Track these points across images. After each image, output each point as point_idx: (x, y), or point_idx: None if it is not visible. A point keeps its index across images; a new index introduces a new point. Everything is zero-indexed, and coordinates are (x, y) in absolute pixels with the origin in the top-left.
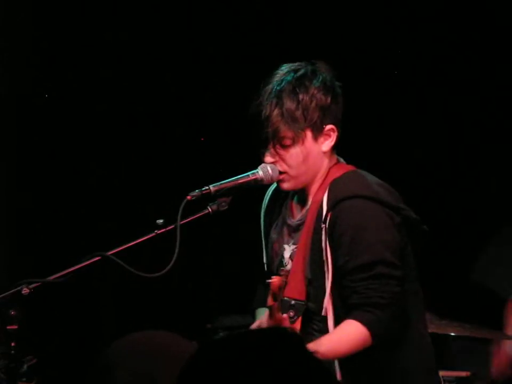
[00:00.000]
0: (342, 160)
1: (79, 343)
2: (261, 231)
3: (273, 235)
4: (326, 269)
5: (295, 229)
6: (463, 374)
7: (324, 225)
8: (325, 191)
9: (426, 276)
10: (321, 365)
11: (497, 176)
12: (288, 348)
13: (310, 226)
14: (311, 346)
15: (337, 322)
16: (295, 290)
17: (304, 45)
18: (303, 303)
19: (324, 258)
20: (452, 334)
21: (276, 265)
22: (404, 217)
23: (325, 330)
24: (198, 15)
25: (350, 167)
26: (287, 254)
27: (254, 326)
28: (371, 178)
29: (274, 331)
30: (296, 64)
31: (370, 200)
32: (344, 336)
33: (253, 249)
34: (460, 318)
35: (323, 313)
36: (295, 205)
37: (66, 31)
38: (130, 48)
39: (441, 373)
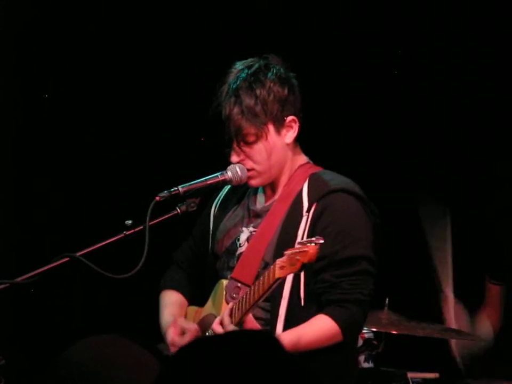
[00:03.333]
0: (309, 160)
1: (48, 344)
2: (202, 217)
3: (228, 221)
4: None
5: (258, 214)
6: (431, 375)
7: (306, 213)
8: (302, 183)
9: (396, 277)
10: (301, 370)
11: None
12: (266, 352)
13: (279, 213)
14: (287, 337)
15: (289, 311)
16: (245, 273)
17: (304, 42)
18: (249, 287)
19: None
20: (420, 335)
21: (227, 246)
22: (375, 221)
23: (270, 318)
24: (198, 14)
25: (320, 168)
26: (243, 236)
27: (169, 318)
28: (345, 179)
29: (251, 334)
30: (249, 60)
31: (355, 197)
32: (316, 331)
33: None
34: (428, 319)
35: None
36: (259, 194)
37: (56, 26)
38: (129, 45)
39: (410, 375)
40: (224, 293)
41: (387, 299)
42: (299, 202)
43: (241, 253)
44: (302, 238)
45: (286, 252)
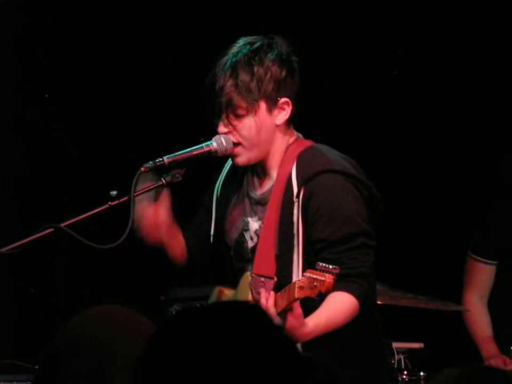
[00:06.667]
0: (300, 135)
1: (32, 315)
2: (206, 201)
3: (232, 208)
4: (295, 242)
5: (258, 202)
6: (416, 345)
7: (296, 199)
8: (292, 165)
9: (381, 246)
10: (287, 340)
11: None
12: (253, 321)
13: (277, 200)
14: (311, 320)
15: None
16: (264, 267)
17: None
18: (273, 279)
19: (295, 231)
20: (405, 305)
21: (235, 238)
22: (369, 193)
23: None
24: (196, 13)
25: (310, 142)
26: (252, 228)
27: None
28: (335, 152)
29: (237, 305)
30: (254, 37)
31: (341, 175)
32: (338, 307)
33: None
34: (413, 290)
35: None
36: (255, 178)
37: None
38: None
39: (394, 344)
40: (250, 290)
41: None
42: (290, 187)
43: (254, 247)
44: (298, 225)
45: (305, 274)
